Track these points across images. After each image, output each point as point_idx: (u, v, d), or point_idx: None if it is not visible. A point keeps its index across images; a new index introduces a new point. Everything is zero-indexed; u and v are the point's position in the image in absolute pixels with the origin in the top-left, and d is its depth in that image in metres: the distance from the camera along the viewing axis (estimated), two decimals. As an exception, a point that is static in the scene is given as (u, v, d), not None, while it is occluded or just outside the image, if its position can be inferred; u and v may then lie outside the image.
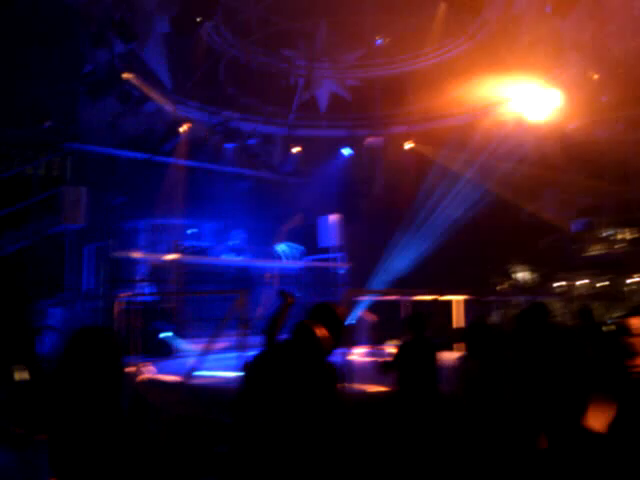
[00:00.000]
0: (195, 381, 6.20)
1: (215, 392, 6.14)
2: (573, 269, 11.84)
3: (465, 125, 12.97)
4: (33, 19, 10.65)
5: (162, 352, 9.20)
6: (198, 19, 8.68)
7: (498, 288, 12.83)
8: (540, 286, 12.18)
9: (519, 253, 12.69)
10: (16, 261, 10.37)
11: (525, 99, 12.04)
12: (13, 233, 10.61)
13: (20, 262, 10.38)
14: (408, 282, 11.60)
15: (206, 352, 5.81)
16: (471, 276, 11.85)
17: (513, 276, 13.04)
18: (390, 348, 5.95)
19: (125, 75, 10.54)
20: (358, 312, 9.12)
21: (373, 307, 11.60)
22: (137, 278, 10.76)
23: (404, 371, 5.39)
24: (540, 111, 11.67)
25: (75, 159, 12.66)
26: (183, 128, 12.22)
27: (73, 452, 2.52)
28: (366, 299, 9.81)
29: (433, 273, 11.46)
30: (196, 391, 6.11)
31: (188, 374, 5.68)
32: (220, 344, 8.50)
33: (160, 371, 7.86)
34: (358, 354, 8.20)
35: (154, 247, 11.76)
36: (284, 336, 3.67)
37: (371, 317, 9.60)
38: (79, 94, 11.88)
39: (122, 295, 9.69)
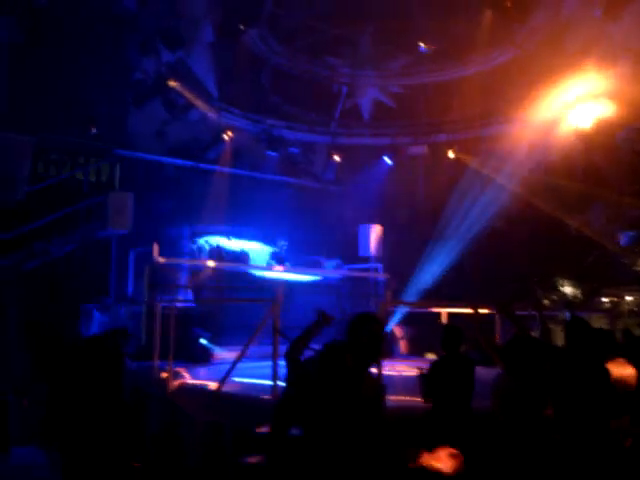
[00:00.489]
0: (226, 389, 6.22)
1: (245, 401, 6.15)
2: (622, 284, 11.39)
3: (510, 134, 12.68)
4: (86, 30, 11.00)
5: (199, 358, 9.29)
6: (242, 26, 8.76)
7: (546, 302, 12.45)
8: (586, 301, 11.77)
9: (565, 267, 12.30)
10: (64, 265, 10.69)
11: (573, 107, 11.70)
12: (62, 237, 10.95)
13: (68, 266, 10.69)
14: (448, 294, 11.38)
15: (239, 360, 5.82)
16: (514, 290, 11.54)
17: (559, 290, 12.64)
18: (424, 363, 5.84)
19: (171, 83, 10.74)
20: (391, 325, 9.01)
21: (412, 319, 11.46)
22: (178, 284, 10.92)
23: (436, 388, 5.28)
24: (589, 120, 11.31)
25: (123, 166, 12.99)
26: (227, 136, 12.37)
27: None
28: (401, 310, 9.69)
29: (474, 285, 11.24)
30: (226, 399, 6.13)
31: (220, 381, 5.71)
32: (254, 352, 8.54)
33: (195, 377, 7.93)
34: (389, 367, 8.10)
35: (197, 253, 11.93)
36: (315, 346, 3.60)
37: (399, 331, 9.50)
38: (128, 102, 12.21)
39: (162, 301, 9.87)
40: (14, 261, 10.04)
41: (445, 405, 5.02)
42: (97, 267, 10.81)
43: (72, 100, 11.66)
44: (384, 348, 3.31)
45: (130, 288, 10.80)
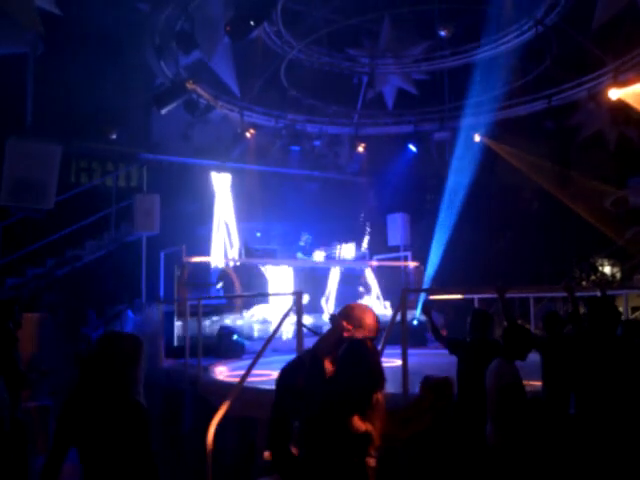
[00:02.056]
0: (252, 382, 6.25)
1: (269, 394, 6.15)
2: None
3: (539, 113, 12.38)
4: (105, 37, 11.18)
5: (231, 354, 9.37)
6: (252, 23, 8.75)
7: (584, 283, 12.16)
8: (625, 280, 11.44)
9: (602, 245, 11.98)
10: (97, 269, 10.94)
11: (603, 82, 11.34)
12: (93, 242, 11.21)
13: (101, 270, 10.94)
14: (481, 278, 11.20)
15: (260, 354, 5.83)
16: (550, 271, 11.31)
17: (598, 269, 12.31)
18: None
19: (189, 85, 10.82)
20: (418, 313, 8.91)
21: (448, 306, 11.31)
22: (208, 282, 11.04)
23: (461, 375, 5.23)
24: (620, 94, 10.93)
25: (150, 169, 13.21)
26: (250, 133, 12.42)
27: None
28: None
29: (507, 269, 11.03)
30: (250, 392, 6.16)
31: (243, 375, 5.73)
32: (287, 344, 8.58)
33: (226, 373, 8.02)
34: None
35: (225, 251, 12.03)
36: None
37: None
38: (152, 106, 12.38)
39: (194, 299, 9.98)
40: (48, 268, 10.33)
41: (471, 389, 4.97)
42: (128, 269, 11.01)
43: (97, 107, 11.88)
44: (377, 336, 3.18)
45: (161, 288, 10.97)
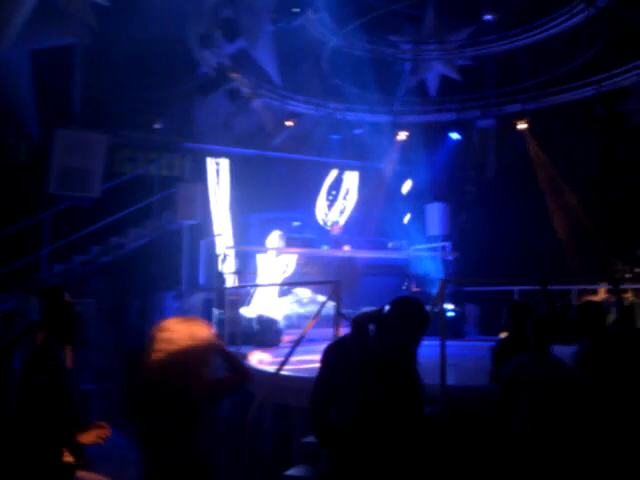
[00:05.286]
0: (289, 371, 6.28)
1: (307, 382, 6.17)
2: None
3: (587, 99, 11.98)
4: (150, 27, 11.30)
5: (270, 341, 9.43)
6: (296, 10, 8.74)
7: (628, 276, 11.78)
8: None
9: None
10: (139, 256, 11.16)
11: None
12: (136, 230, 11.44)
13: (143, 257, 11.16)
14: (522, 271, 10.96)
15: (298, 342, 5.87)
16: (594, 264, 11.00)
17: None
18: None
19: (232, 75, 10.87)
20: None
21: (486, 297, 11.13)
22: (247, 271, 11.14)
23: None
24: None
25: (193, 158, 13.36)
26: (291, 122, 12.42)
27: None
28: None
29: (550, 261, 10.77)
30: (289, 380, 6.19)
31: (280, 363, 5.79)
32: (324, 333, 8.57)
33: (264, 360, 8.08)
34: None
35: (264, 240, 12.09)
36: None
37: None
38: (194, 95, 12.49)
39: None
40: (92, 255, 10.60)
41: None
42: (170, 257, 11.19)
43: (142, 97, 12.06)
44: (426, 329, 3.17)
45: (201, 276, 11.12)
